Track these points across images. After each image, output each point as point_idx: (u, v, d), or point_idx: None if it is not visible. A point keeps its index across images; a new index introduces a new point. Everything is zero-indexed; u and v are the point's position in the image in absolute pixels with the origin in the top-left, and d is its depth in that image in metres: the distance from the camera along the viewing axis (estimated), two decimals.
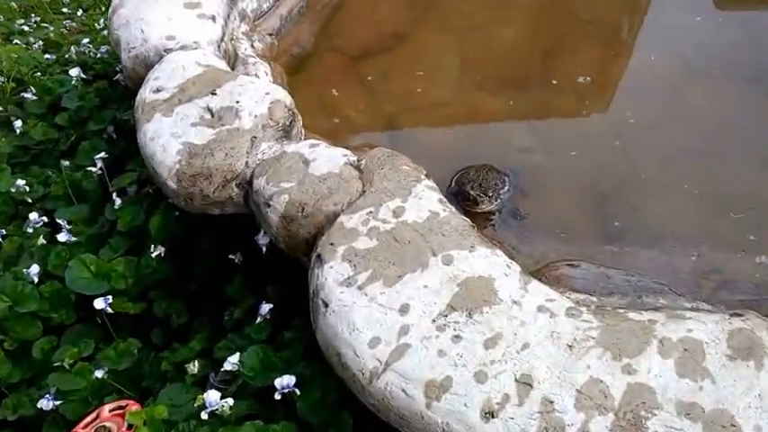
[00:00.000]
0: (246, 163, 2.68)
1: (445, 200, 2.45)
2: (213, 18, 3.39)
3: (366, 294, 2.04)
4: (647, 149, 3.16)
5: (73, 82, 3.72)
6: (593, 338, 1.97)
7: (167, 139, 2.78)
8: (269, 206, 2.53)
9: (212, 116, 2.80)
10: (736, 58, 3.66)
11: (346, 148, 2.85)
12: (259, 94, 2.82)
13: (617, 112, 3.37)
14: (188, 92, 2.93)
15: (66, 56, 4.13)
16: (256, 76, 3.30)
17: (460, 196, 2.88)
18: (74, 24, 5.42)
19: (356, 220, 2.38)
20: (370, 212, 2.40)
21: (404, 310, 1.99)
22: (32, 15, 5.63)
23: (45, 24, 5.37)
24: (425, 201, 2.40)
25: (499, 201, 2.90)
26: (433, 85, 3.67)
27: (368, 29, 4.09)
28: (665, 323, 2.02)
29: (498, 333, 1.89)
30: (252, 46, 3.59)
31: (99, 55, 4.07)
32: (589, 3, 4.31)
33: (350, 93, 3.64)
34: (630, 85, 3.61)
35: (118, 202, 3.10)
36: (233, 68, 3.32)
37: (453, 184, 2.97)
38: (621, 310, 2.10)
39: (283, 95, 2.84)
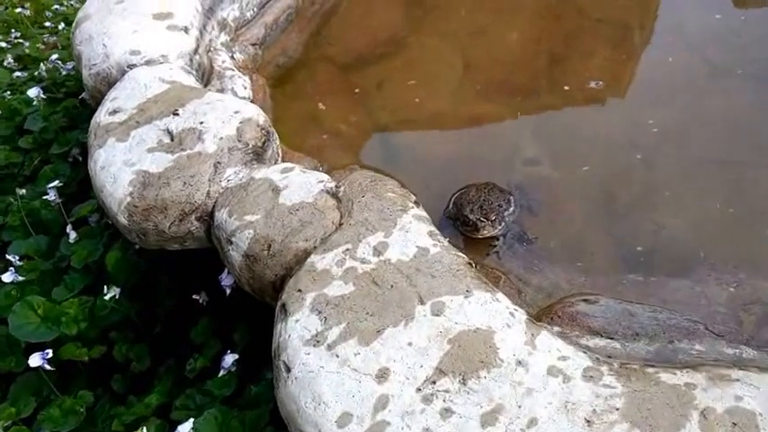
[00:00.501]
0: (208, 193, 2.29)
1: (437, 232, 2.07)
2: (185, 29, 2.96)
3: (337, 356, 1.76)
4: (670, 160, 2.76)
5: (35, 102, 3.24)
6: (618, 410, 1.58)
7: (119, 167, 2.38)
8: (231, 243, 2.17)
9: (172, 140, 2.42)
10: (759, 57, 3.24)
11: (332, 167, 2.60)
12: (227, 112, 2.39)
13: (634, 119, 2.97)
14: (148, 112, 2.52)
15: (36, 73, 3.60)
16: (233, 90, 2.86)
17: (459, 221, 2.46)
18: (54, 39, 4.95)
19: (330, 259, 2.00)
20: (347, 250, 2.02)
21: (382, 375, 1.71)
22: (13, 31, 5.17)
23: (21, 41, 4.90)
24: (413, 234, 2.01)
25: (503, 224, 2.49)
26: (432, 94, 3.27)
27: (362, 35, 3.67)
28: (707, 388, 1.62)
29: (499, 405, 1.62)
30: (232, 57, 3.15)
31: (67, 72, 3.52)
32: (600, 0, 3.74)
33: (341, 104, 3.26)
34: (648, 89, 3.22)
35: (73, 235, 2.92)
36: (207, 83, 2.90)
37: (451, 206, 2.56)
38: (651, 370, 1.71)
39: (255, 113, 2.40)
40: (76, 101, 3.80)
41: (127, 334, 2.71)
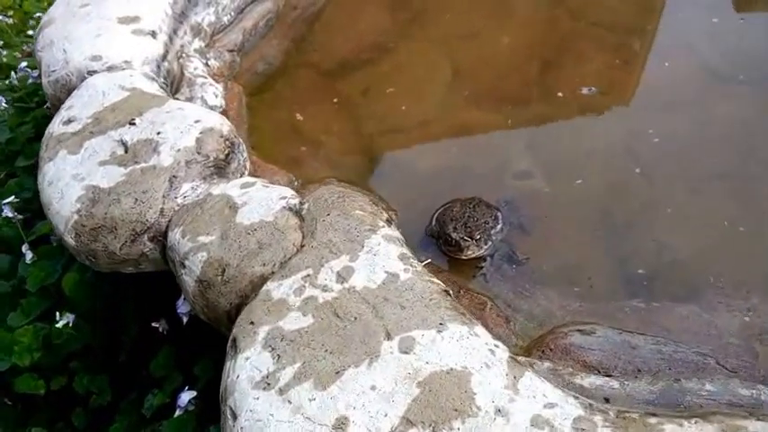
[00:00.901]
0: (162, 210, 2.02)
1: (409, 255, 1.78)
2: (153, 33, 2.67)
3: (289, 402, 1.48)
4: (672, 173, 2.47)
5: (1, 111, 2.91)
6: None
7: (68, 182, 2.12)
8: (184, 267, 1.90)
9: (126, 152, 2.14)
10: (762, 63, 2.93)
11: (309, 181, 2.37)
12: (186, 122, 2.12)
13: (633, 128, 2.68)
14: (104, 122, 2.26)
15: (7, 81, 3.31)
16: (203, 99, 2.57)
17: (442, 239, 2.17)
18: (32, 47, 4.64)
19: (287, 287, 1.73)
20: (307, 276, 1.74)
21: (340, 426, 1.41)
22: None
23: (2, 50, 4.60)
24: (381, 258, 1.73)
25: (490, 243, 2.22)
26: (419, 101, 2.99)
27: (347, 41, 3.40)
28: None
29: None
30: (206, 64, 2.86)
31: (33, 80, 3.23)
32: (596, 2, 3.43)
33: (322, 113, 2.98)
34: (647, 96, 2.91)
35: (29, 255, 2.63)
36: (177, 91, 2.58)
37: (434, 223, 2.30)
38: (654, 420, 1.44)
39: (219, 122, 2.12)
40: (46, 110, 3.49)
41: (88, 363, 2.44)
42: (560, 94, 2.89)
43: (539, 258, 2.19)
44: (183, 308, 2.06)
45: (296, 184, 2.40)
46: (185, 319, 2.07)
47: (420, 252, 2.18)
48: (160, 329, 2.28)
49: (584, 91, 2.84)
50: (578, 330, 1.84)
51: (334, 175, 2.55)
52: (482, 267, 2.18)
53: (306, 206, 1.89)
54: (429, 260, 2.08)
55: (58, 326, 2.33)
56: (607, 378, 1.64)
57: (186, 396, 2.05)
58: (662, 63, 3.09)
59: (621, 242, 2.25)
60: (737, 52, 3.06)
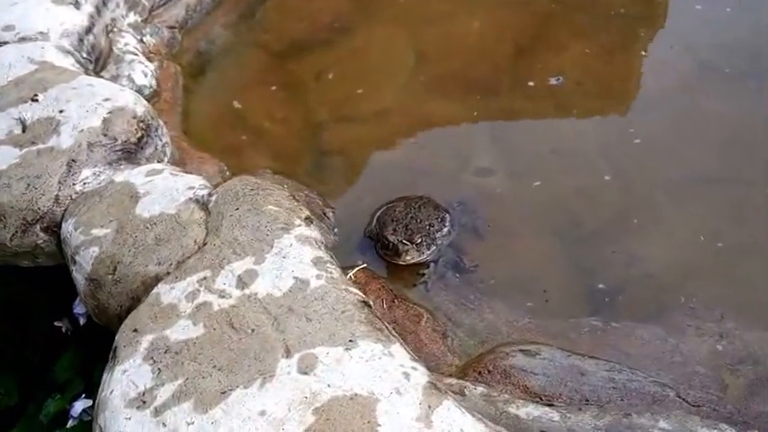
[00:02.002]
0: (56, 198, 1.87)
1: (326, 259, 1.62)
2: (76, 3, 2.53)
3: (164, 425, 1.33)
4: (648, 175, 2.33)
5: None
6: None
7: None
8: (75, 262, 1.76)
9: (24, 131, 1.95)
10: (752, 53, 2.81)
11: (243, 172, 2.10)
12: (94, 100, 1.98)
13: (609, 125, 2.52)
14: (4, 98, 2.16)
15: None
16: (129, 77, 2.45)
17: (379, 242, 1.93)
18: None
19: (180, 291, 1.58)
20: (204, 279, 1.59)
21: None
22: None
23: None
24: (291, 261, 1.58)
25: (433, 248, 2.08)
26: (377, 89, 2.86)
27: (301, 20, 3.27)
28: None
29: None
30: (141, 41, 2.73)
31: None
32: None
33: (269, 98, 2.85)
34: (627, 89, 2.79)
35: None
36: (102, 68, 2.42)
37: (374, 224, 2.13)
38: None
39: (132, 102, 2.00)
40: None
41: None
42: (531, 83, 2.75)
43: (490, 266, 2.06)
44: (79, 308, 1.93)
45: (225, 174, 2.23)
46: (82, 321, 1.94)
47: (356, 256, 2.04)
48: (63, 330, 2.15)
49: (552, 81, 2.67)
50: (522, 351, 1.70)
51: (272, 167, 2.43)
52: (423, 275, 2.05)
53: (214, 199, 1.71)
54: (364, 265, 1.95)
55: None
56: (547, 408, 1.50)
57: (80, 405, 1.95)
58: (647, 52, 2.97)
59: (587, 252, 2.13)
60: (725, 41, 2.94)
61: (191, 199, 1.75)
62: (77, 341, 2.16)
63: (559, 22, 3.06)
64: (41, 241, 1.90)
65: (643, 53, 2.86)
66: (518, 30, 3.06)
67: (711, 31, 2.93)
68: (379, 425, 1.25)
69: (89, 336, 2.05)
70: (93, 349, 2.09)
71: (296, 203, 1.74)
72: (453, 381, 1.58)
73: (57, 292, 2.18)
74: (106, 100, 2.05)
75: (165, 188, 1.79)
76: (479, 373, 1.64)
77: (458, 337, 1.80)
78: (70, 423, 1.94)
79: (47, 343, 2.32)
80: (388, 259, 2.06)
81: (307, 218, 1.69)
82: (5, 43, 2.40)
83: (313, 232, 1.66)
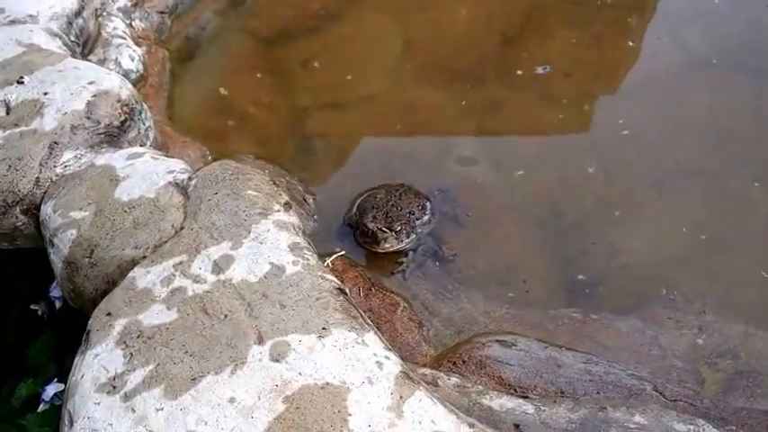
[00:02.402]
0: (37, 180, 1.85)
1: (304, 245, 1.59)
2: None
3: (133, 410, 1.31)
4: (633, 166, 2.31)
5: None
6: None
7: None
8: (52, 245, 1.73)
9: (8, 113, 1.95)
10: (740, 46, 2.80)
11: (226, 157, 2.05)
12: (79, 83, 1.97)
13: (594, 114, 2.47)
14: None
15: None
16: (116, 61, 2.44)
17: (359, 229, 1.89)
18: None
19: (155, 275, 1.55)
20: (180, 264, 1.56)
21: None
22: None
23: None
24: (268, 247, 1.55)
25: (413, 236, 2.06)
26: (364, 75, 2.84)
27: (290, 7, 3.24)
28: None
29: None
30: (130, 25, 2.69)
31: None
32: None
33: (255, 84, 2.82)
34: (615, 79, 2.75)
35: None
36: (90, 52, 2.39)
37: (354, 211, 2.06)
38: None
39: (117, 86, 1.98)
40: None
41: None
42: (518, 72, 2.74)
43: (469, 256, 2.04)
44: (55, 291, 1.91)
45: (208, 159, 2.20)
46: (58, 305, 1.92)
47: (335, 242, 2.01)
48: (39, 313, 2.10)
49: (539, 70, 2.64)
50: (498, 341, 1.67)
51: (256, 152, 2.40)
52: (402, 263, 2.03)
53: (193, 183, 1.68)
54: (342, 252, 1.92)
55: None
56: (521, 400, 1.47)
57: (52, 389, 1.90)
58: (635, 43, 2.94)
59: (568, 243, 2.11)
60: (718, 32, 2.93)
61: (170, 183, 1.72)
62: (53, 325, 2.11)
63: (548, 12, 3.04)
64: (20, 223, 1.87)
65: (631, 44, 2.80)
66: (506, 19, 3.03)
67: (701, 24, 2.91)
68: (350, 414, 1.23)
69: (65, 320, 2.00)
70: (69, 333, 2.06)
71: (275, 188, 1.71)
72: (427, 371, 1.55)
73: (35, 275, 2.15)
74: (91, 83, 2.02)
75: (146, 172, 1.77)
76: (454, 363, 1.61)
77: (434, 327, 1.78)
78: (41, 407, 1.91)
79: (22, 326, 2.27)
80: (366, 247, 2.03)
81: (286, 203, 1.66)
82: None
83: (291, 218, 1.63)
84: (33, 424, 1.90)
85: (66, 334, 2.06)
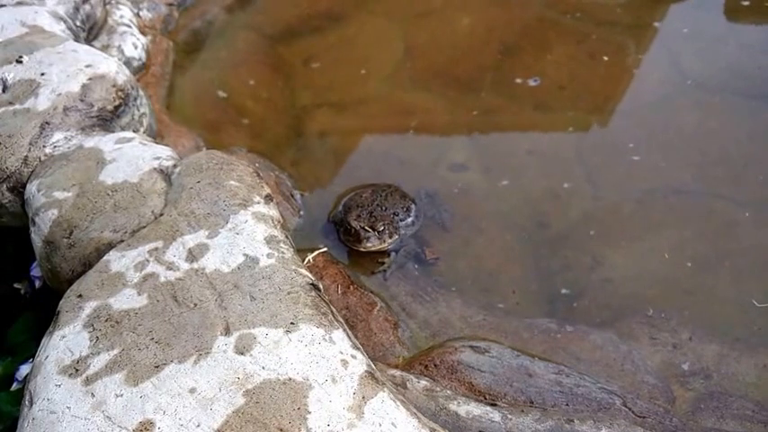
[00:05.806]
0: (25, 159, 1.77)
1: (280, 238, 1.51)
2: None
3: (93, 395, 1.23)
4: (621, 182, 2.23)
5: None
6: None
7: None
8: (34, 224, 1.66)
9: (4, 91, 1.86)
10: (735, 71, 2.71)
11: (219, 148, 2.02)
12: (76, 65, 1.90)
13: (585, 128, 2.41)
14: None
15: None
16: (119, 48, 2.36)
17: (342, 227, 1.78)
18: None
19: (130, 260, 1.47)
20: (155, 250, 1.49)
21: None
22: None
23: None
24: (244, 238, 1.47)
25: (396, 237, 1.97)
26: (363, 77, 2.78)
27: (296, 6, 3.19)
28: None
29: None
30: (137, 14, 2.61)
31: None
32: None
33: (256, 79, 2.76)
34: (608, 96, 2.67)
35: None
36: (95, 38, 2.32)
37: (340, 209, 1.99)
38: None
39: (113, 71, 1.90)
40: None
41: None
42: (514, 83, 2.66)
43: (451, 260, 1.96)
44: (35, 271, 1.82)
45: (201, 148, 2.13)
46: (38, 284, 1.83)
47: (319, 239, 1.94)
48: (23, 292, 2.01)
49: (533, 83, 2.57)
50: (471, 347, 1.59)
51: (249, 145, 2.33)
52: (383, 263, 1.94)
53: (177, 170, 1.61)
54: (324, 249, 1.84)
55: None
56: (489, 408, 1.39)
57: (25, 369, 1.80)
58: (631, 62, 2.85)
59: (550, 253, 2.02)
60: (715, 58, 2.83)
61: (155, 169, 1.65)
62: (35, 304, 2.02)
63: (548, 25, 2.97)
64: (6, 201, 1.80)
65: (627, 62, 2.71)
66: (506, 30, 2.97)
67: (697, 47, 2.82)
68: (309, 412, 1.16)
69: (46, 299, 1.93)
70: (49, 313, 1.98)
71: (258, 180, 1.63)
72: (397, 372, 1.47)
73: (22, 253, 2.08)
74: (88, 66, 1.95)
75: (132, 157, 1.69)
76: (425, 366, 1.53)
77: (410, 329, 1.70)
78: (14, 386, 1.82)
79: (5, 305, 2.20)
80: (349, 245, 1.95)
81: (267, 196, 1.58)
82: (2, 6, 2.30)
83: (271, 211, 1.55)
84: (6, 403, 1.80)
85: (47, 314, 1.97)
